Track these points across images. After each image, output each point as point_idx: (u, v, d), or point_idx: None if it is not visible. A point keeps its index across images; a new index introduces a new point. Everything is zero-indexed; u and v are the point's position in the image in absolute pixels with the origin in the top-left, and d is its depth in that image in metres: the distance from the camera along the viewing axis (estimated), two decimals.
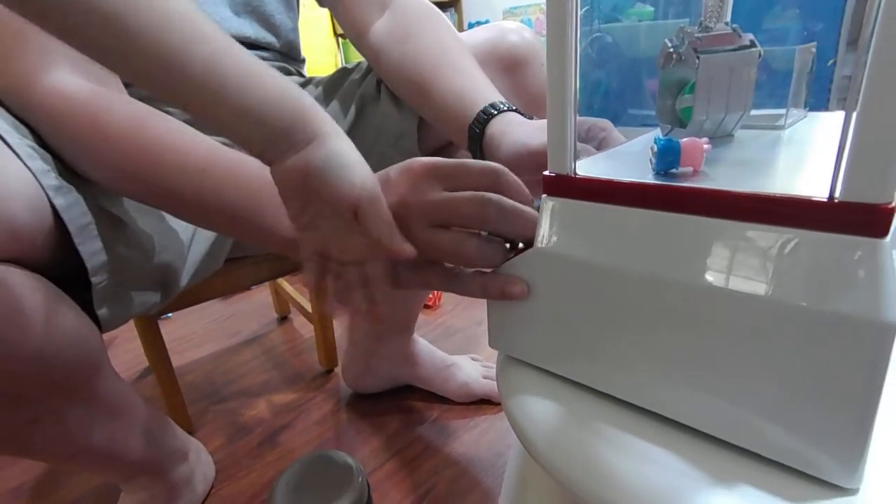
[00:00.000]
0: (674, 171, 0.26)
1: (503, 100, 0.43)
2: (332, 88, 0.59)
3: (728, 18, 0.32)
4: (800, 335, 0.20)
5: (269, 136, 0.29)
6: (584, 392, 0.29)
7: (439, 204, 0.31)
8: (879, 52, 0.17)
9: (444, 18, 0.51)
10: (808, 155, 0.30)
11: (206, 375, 0.89)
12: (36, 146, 0.36)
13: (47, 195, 0.35)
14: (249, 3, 0.54)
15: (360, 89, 0.58)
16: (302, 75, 0.63)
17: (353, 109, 0.57)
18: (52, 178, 0.35)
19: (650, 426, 0.26)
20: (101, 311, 0.40)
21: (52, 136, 0.37)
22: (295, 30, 0.60)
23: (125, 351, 0.99)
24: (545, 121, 0.38)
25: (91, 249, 0.37)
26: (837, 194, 0.19)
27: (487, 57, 0.52)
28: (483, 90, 0.44)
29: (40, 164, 0.35)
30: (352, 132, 0.57)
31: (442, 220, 0.31)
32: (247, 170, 0.37)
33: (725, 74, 0.29)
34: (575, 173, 0.27)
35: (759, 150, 0.30)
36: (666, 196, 0.24)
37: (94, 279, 0.38)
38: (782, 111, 0.35)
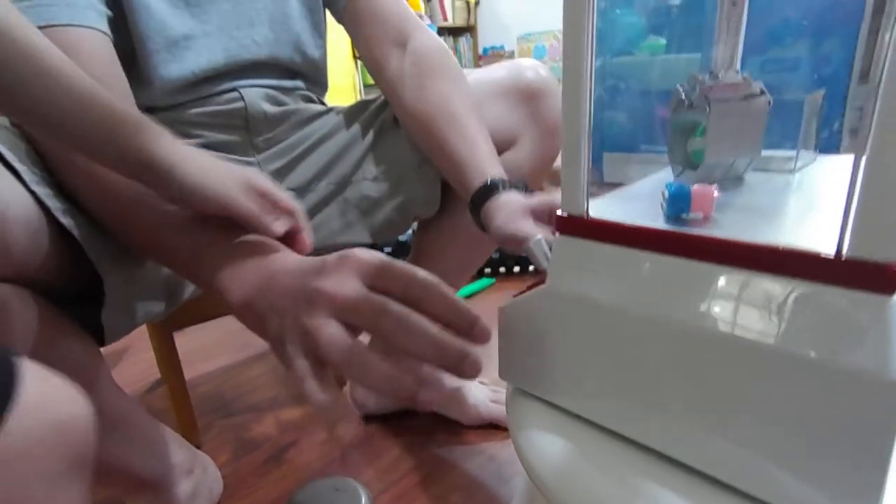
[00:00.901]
0: (684, 216, 0.27)
1: (500, 173, 0.47)
2: (352, 115, 0.62)
3: (738, 67, 0.33)
4: (809, 387, 0.21)
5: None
6: (594, 429, 0.29)
7: (344, 300, 0.29)
8: (888, 100, 0.17)
9: (457, 68, 0.55)
10: (816, 202, 0.30)
11: (216, 389, 0.90)
12: (44, 173, 0.38)
13: (53, 216, 0.36)
14: (283, 24, 0.56)
15: (382, 116, 0.60)
16: (323, 104, 0.65)
17: (371, 133, 0.60)
18: (58, 201, 0.37)
19: (659, 468, 0.26)
20: (108, 324, 0.41)
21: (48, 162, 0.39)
22: (323, 56, 0.62)
23: (140, 361, 1.00)
24: (534, 198, 0.42)
25: (105, 267, 0.39)
26: (845, 251, 0.20)
27: (508, 90, 0.57)
28: (481, 165, 0.48)
29: (45, 189, 0.37)
30: (370, 154, 0.59)
31: (344, 317, 0.29)
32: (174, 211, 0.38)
33: (736, 122, 0.30)
34: (588, 214, 0.28)
35: (768, 195, 0.31)
36: (676, 242, 0.24)
37: (107, 293, 0.39)
38: (792, 153, 0.35)
